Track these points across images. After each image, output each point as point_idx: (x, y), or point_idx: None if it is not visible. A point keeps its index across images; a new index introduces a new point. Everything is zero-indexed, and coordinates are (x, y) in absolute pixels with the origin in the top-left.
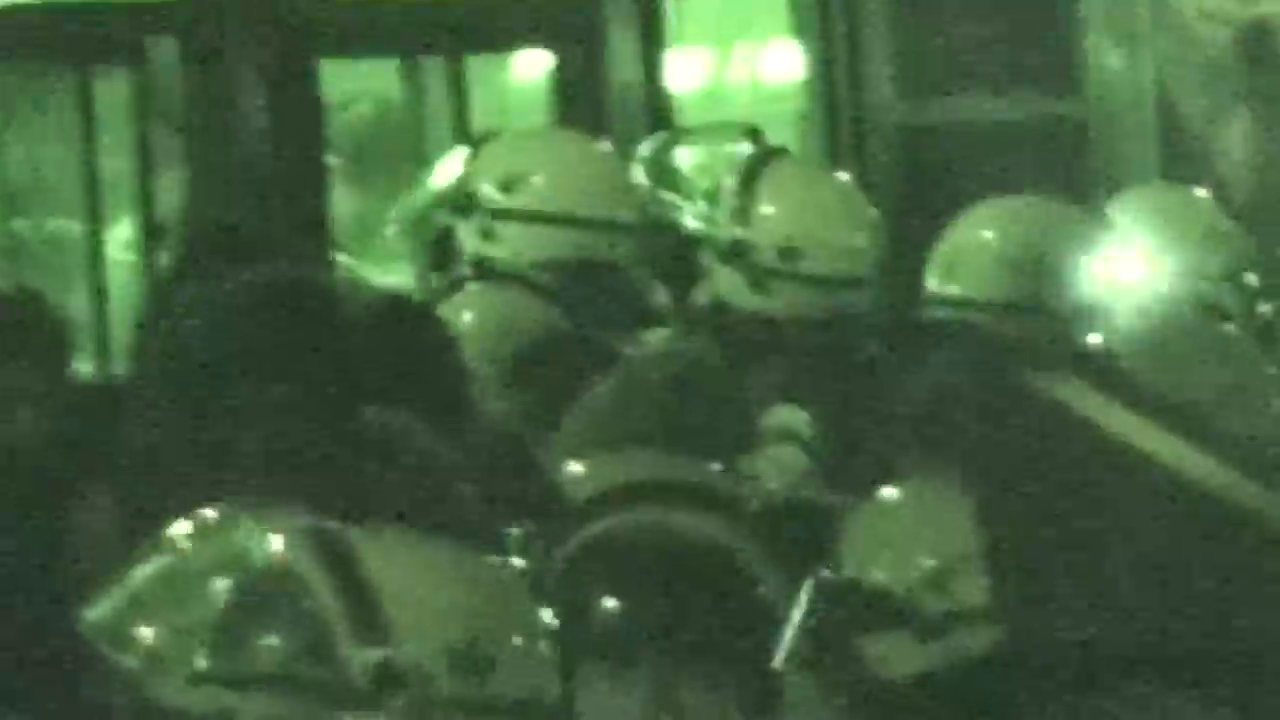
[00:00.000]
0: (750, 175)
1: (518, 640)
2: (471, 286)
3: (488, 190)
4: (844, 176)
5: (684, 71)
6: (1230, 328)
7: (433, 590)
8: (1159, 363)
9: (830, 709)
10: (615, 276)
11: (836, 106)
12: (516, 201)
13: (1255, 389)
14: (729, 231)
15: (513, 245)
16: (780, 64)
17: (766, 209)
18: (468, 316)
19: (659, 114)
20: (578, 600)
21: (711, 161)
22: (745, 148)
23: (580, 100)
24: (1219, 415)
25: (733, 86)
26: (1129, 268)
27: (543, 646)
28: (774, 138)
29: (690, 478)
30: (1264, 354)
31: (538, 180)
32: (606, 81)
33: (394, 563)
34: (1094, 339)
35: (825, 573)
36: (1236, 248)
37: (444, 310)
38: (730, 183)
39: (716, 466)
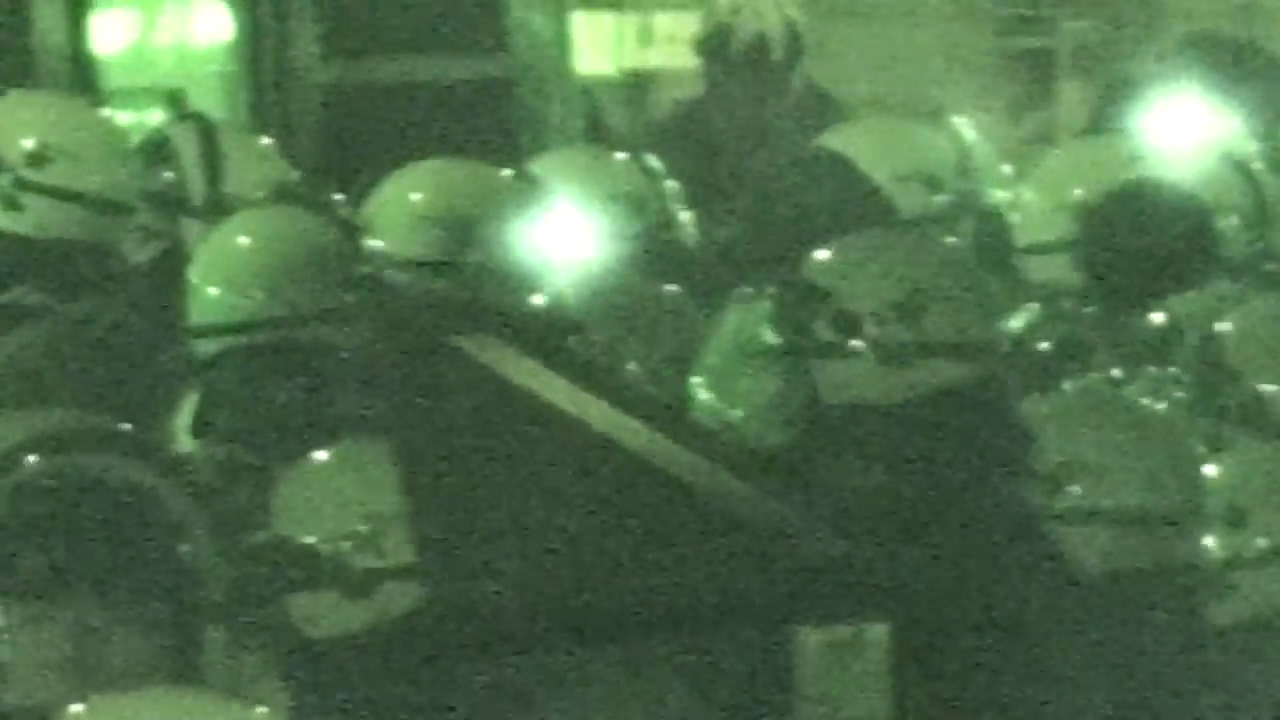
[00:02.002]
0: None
1: None
2: None
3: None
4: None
5: (110, 33)
6: (673, 289)
7: None
8: (595, 326)
9: (255, 665)
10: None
11: (261, 68)
12: (49, 176)
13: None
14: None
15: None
16: (209, 25)
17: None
18: None
19: (84, 77)
20: (4, 547)
21: (136, 127)
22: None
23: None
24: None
25: (160, 48)
26: (560, 229)
27: None
28: (203, 101)
29: (109, 428)
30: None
31: (68, 154)
32: (32, 43)
33: None
34: (533, 300)
35: (258, 532)
36: (653, 209)
37: None
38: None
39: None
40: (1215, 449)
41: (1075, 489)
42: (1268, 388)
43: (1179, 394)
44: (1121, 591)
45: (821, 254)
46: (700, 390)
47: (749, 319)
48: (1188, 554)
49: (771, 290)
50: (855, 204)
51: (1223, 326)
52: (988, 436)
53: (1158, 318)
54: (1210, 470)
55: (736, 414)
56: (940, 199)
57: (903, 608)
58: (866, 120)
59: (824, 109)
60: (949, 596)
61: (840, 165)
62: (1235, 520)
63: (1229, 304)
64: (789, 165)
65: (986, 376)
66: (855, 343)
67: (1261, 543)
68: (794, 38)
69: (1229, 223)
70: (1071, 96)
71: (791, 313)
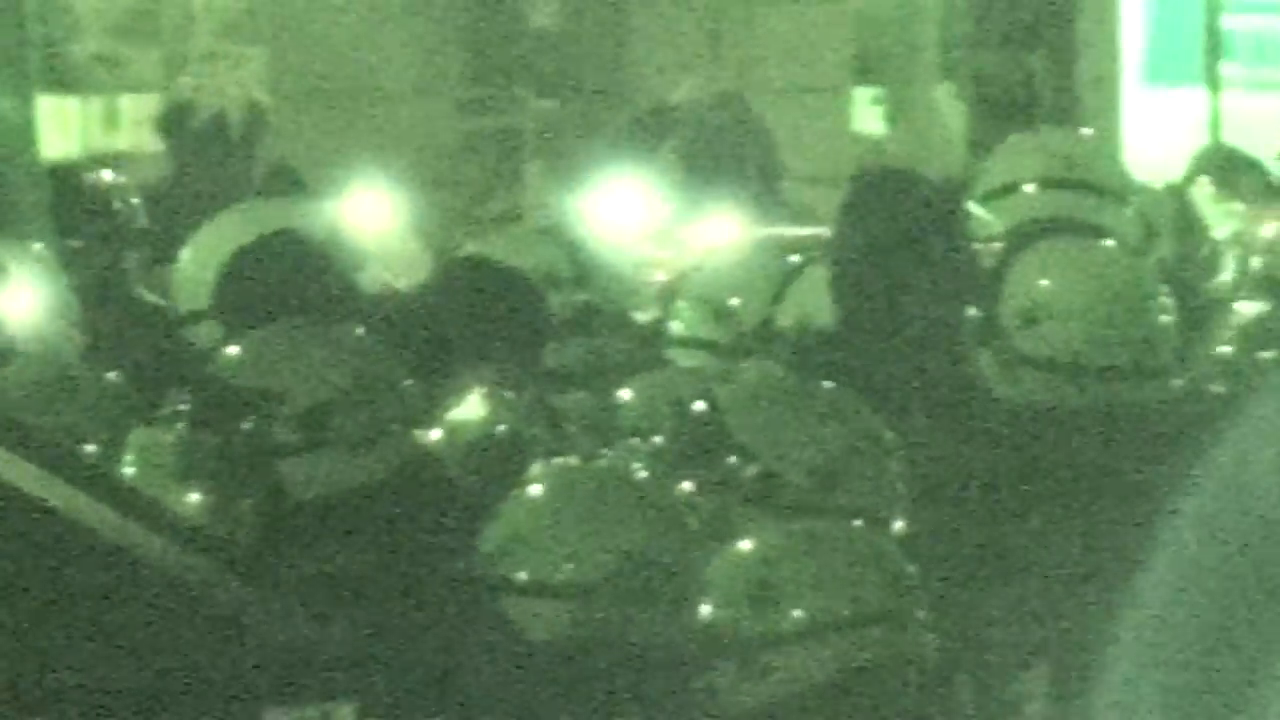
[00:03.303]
0: None
1: None
2: None
3: None
4: None
5: None
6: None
7: None
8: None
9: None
10: None
11: None
12: None
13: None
14: None
15: None
16: None
17: None
18: None
19: None
20: None
21: None
22: None
23: None
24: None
25: None
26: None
27: None
28: None
29: None
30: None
31: None
32: None
33: None
34: None
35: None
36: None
37: None
38: None
39: None
40: (722, 527)
41: (522, 564)
42: (776, 463)
43: (660, 466)
44: (573, 666)
45: (235, 350)
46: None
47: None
48: (623, 627)
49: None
50: (315, 283)
51: (725, 399)
52: (435, 516)
53: (626, 393)
54: (744, 547)
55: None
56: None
57: (367, 686)
58: (313, 199)
59: (292, 187)
60: (409, 671)
61: (298, 245)
62: (765, 599)
63: (717, 377)
64: (252, 246)
65: (431, 462)
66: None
67: (792, 621)
68: (256, 117)
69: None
70: (536, 175)
71: (214, 416)
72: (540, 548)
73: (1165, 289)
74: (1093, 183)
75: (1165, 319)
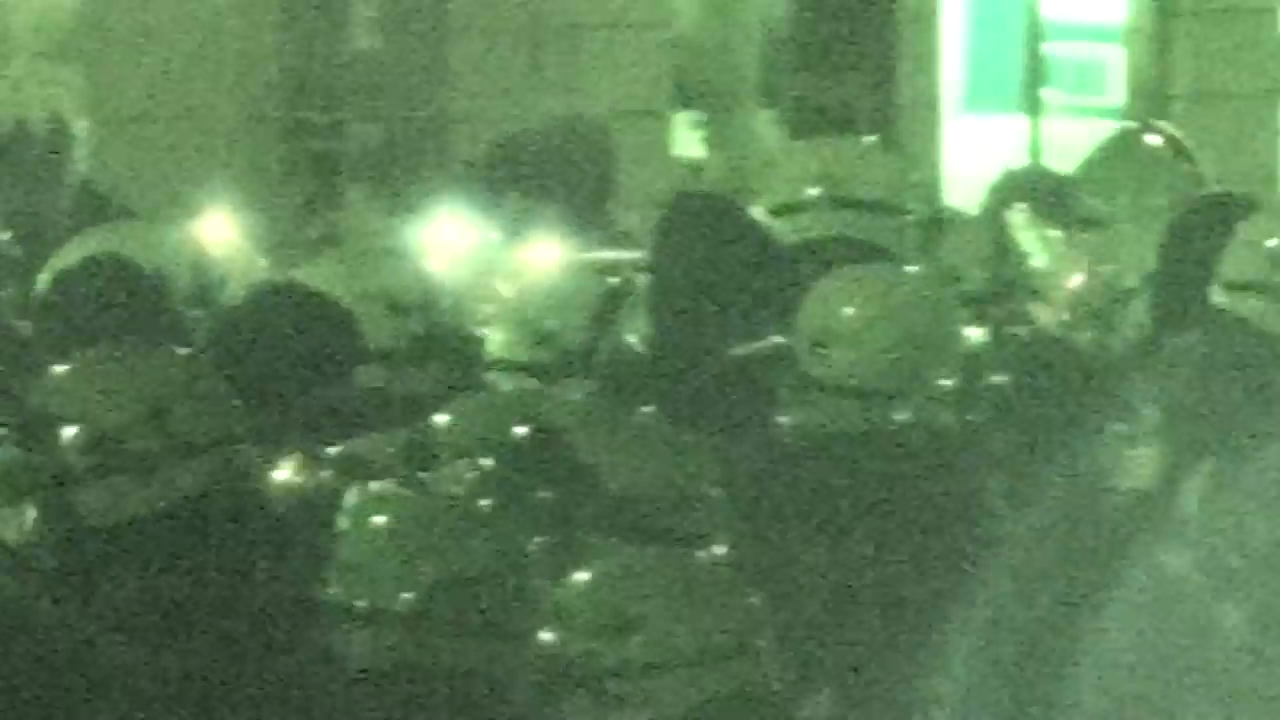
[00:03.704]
0: None
1: None
2: None
3: None
4: None
5: None
6: None
7: None
8: None
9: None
10: None
11: None
12: None
13: None
14: None
15: None
16: None
17: None
18: None
19: None
20: None
21: None
22: None
23: None
24: None
25: None
26: None
27: None
28: None
29: None
30: None
31: None
32: None
33: None
34: None
35: None
36: None
37: None
38: None
39: None
40: (567, 553)
41: (344, 589)
42: (630, 489)
43: (490, 490)
44: (398, 694)
45: (57, 373)
46: None
47: None
48: (452, 654)
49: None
50: (136, 307)
51: (569, 422)
52: (244, 538)
53: (445, 417)
54: (594, 574)
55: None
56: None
57: (183, 711)
58: (134, 223)
59: (98, 211)
60: (227, 694)
61: (119, 268)
62: (623, 628)
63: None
64: (73, 269)
65: (243, 487)
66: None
67: (651, 651)
68: (62, 134)
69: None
70: (358, 198)
71: (24, 441)
72: (361, 572)
73: (965, 315)
74: (880, 201)
75: (956, 345)
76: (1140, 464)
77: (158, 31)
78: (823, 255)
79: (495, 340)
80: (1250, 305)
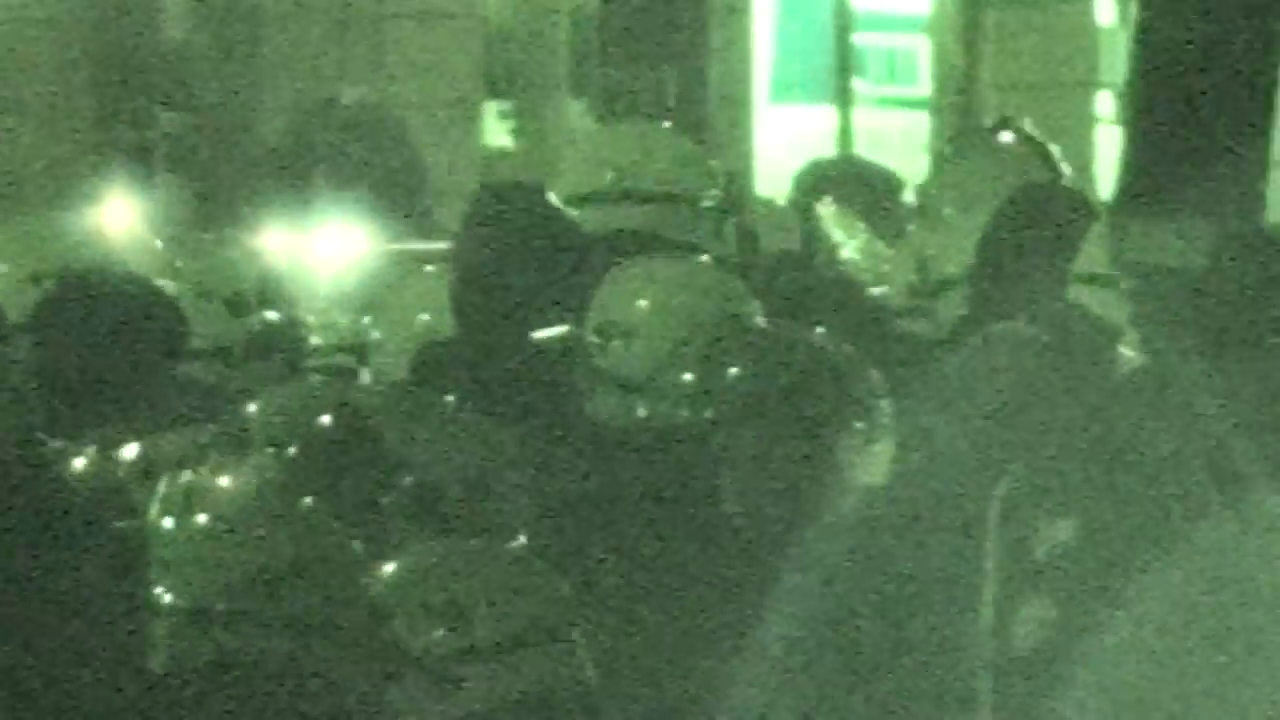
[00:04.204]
0: None
1: None
2: None
3: None
4: None
5: None
6: None
7: None
8: None
9: None
10: None
11: None
12: None
13: None
14: None
15: None
16: None
17: None
18: None
19: None
20: None
21: None
22: None
23: None
24: None
25: None
26: None
27: None
28: None
29: None
30: None
31: None
32: None
33: None
34: None
35: None
36: None
37: None
38: None
39: None
40: (379, 541)
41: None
42: (431, 476)
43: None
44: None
45: None
46: None
47: None
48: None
49: None
50: None
51: (378, 410)
52: (40, 529)
53: (254, 406)
54: (416, 562)
55: None
56: None
57: None
58: None
59: None
60: (26, 694)
61: None
62: (455, 615)
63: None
64: None
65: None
66: None
67: (483, 637)
68: None
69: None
70: (171, 187)
71: None
72: (170, 566)
73: (753, 308)
74: (678, 194)
75: (740, 338)
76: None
77: None
78: (617, 246)
79: (311, 329)
80: (1078, 294)
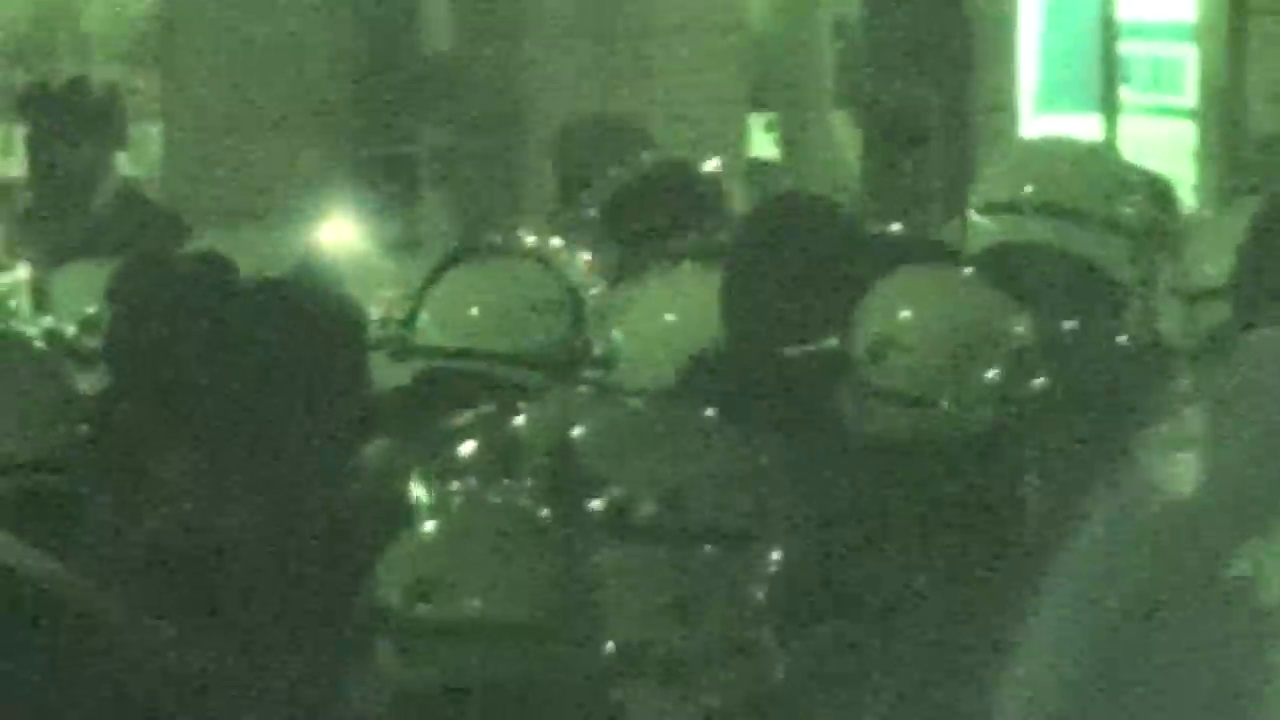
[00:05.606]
0: None
1: None
2: None
3: None
4: None
5: None
6: None
7: None
8: None
9: None
10: None
11: None
12: None
13: None
14: None
15: None
16: None
17: None
18: None
19: None
20: None
21: None
22: None
23: None
24: None
25: None
26: None
27: None
28: None
29: None
30: None
31: None
32: None
33: None
34: None
35: None
36: None
37: None
38: None
39: None
40: (576, 555)
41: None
42: (622, 490)
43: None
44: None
45: None
46: None
47: None
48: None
49: None
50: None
51: (578, 433)
52: None
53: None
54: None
55: None
56: None
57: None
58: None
59: (142, 212)
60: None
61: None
62: (683, 616)
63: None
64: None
65: None
66: None
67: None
68: (115, 97)
69: None
70: (434, 201)
71: None
72: (450, 584)
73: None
74: (1097, 213)
75: (1016, 350)
76: None
77: (229, 40)
78: (901, 256)
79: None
80: None
